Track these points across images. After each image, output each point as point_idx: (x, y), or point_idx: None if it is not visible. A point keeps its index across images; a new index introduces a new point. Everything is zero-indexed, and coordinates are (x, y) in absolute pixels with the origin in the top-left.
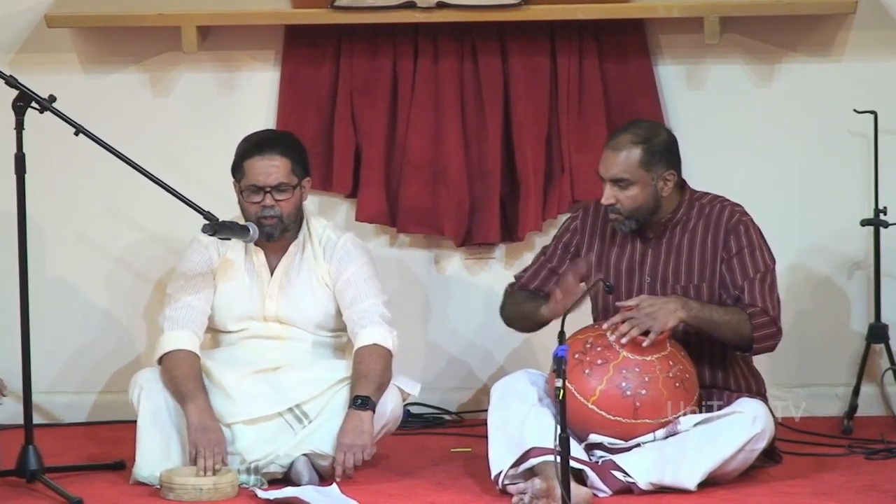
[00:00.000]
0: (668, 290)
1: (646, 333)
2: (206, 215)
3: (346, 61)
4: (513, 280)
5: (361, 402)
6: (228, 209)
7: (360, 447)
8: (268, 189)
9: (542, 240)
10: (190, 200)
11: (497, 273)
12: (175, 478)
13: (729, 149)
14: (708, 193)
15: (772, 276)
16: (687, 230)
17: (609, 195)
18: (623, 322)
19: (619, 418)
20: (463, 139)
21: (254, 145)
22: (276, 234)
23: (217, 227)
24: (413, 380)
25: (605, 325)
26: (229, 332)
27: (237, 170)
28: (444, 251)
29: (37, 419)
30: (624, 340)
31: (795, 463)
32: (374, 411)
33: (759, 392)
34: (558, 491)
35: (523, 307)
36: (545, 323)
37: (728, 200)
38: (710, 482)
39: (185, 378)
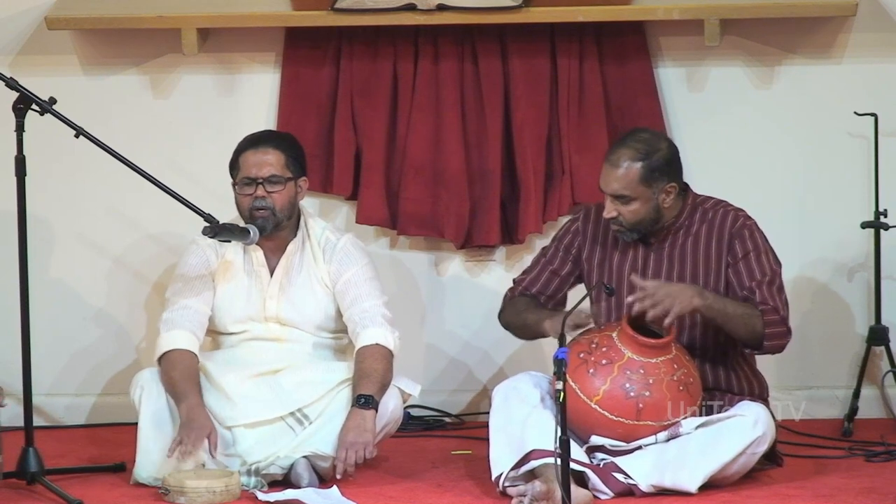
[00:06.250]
0: None
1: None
2: (207, 217)
3: (346, 63)
4: (512, 284)
5: (365, 401)
6: (228, 211)
7: (361, 445)
8: (260, 181)
9: (542, 242)
10: (190, 202)
11: (497, 275)
12: (187, 481)
13: (729, 151)
14: (711, 198)
15: (779, 279)
16: (690, 235)
17: (610, 209)
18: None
19: (621, 419)
20: (463, 141)
21: (249, 141)
22: (268, 227)
23: (217, 230)
24: (413, 381)
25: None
26: (229, 333)
27: (233, 167)
28: (444, 253)
29: (37, 421)
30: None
31: (796, 465)
32: (376, 410)
33: (760, 395)
34: (559, 493)
35: (525, 316)
36: (546, 336)
37: (731, 205)
38: (711, 485)
39: (179, 378)
